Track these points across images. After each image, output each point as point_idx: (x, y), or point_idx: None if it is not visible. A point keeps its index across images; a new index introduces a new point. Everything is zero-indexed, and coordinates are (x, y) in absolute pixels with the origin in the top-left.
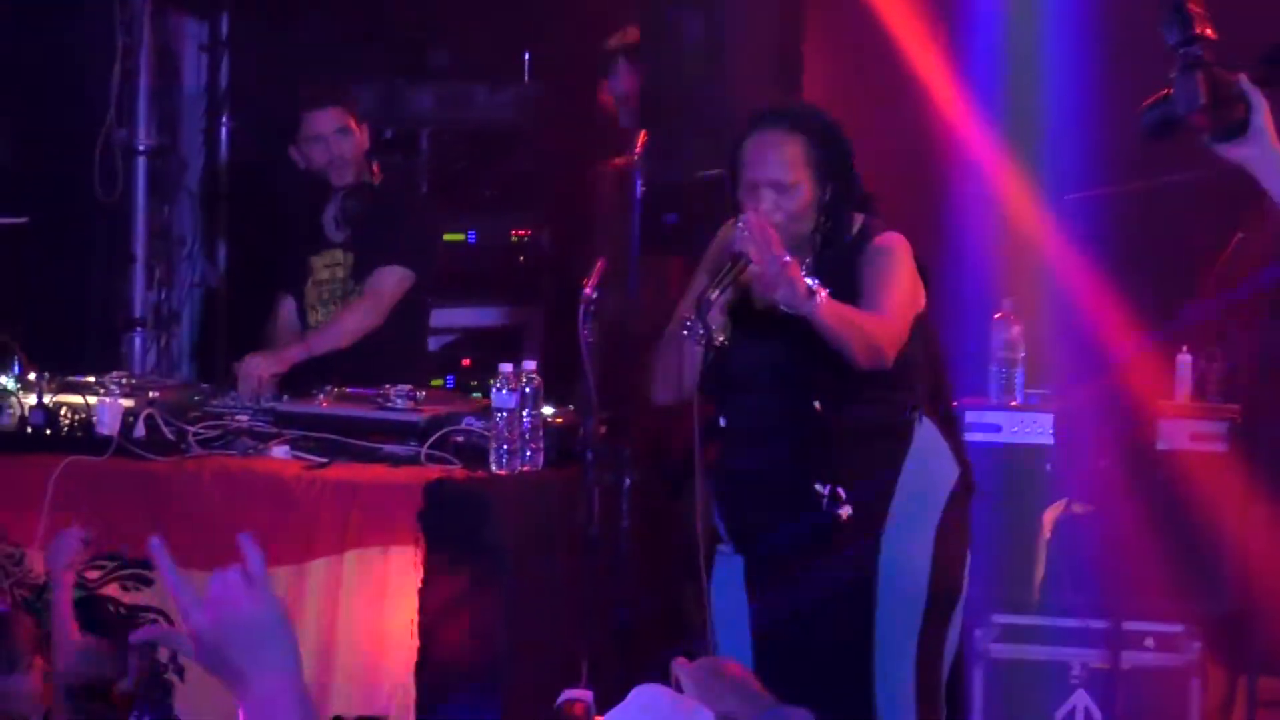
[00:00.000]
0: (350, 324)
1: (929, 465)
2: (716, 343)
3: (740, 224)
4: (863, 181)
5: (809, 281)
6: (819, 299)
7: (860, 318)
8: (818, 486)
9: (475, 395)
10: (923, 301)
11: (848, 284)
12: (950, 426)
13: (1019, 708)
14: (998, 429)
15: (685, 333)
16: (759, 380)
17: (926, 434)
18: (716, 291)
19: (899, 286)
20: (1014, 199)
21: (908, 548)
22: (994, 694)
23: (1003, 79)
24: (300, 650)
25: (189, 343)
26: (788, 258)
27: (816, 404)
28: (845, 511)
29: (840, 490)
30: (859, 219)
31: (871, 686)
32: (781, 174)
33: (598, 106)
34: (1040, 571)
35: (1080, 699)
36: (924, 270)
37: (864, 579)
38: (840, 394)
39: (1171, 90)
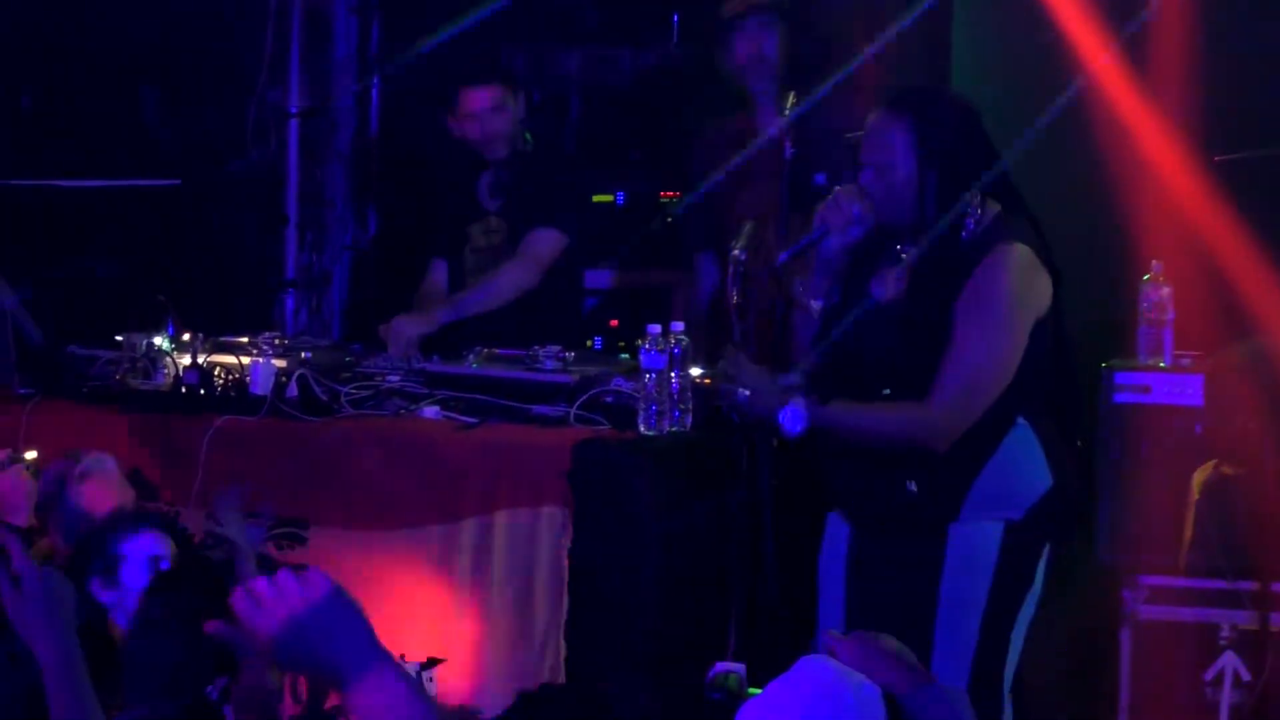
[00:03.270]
0: (502, 285)
1: (1013, 472)
2: (808, 307)
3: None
4: (998, 168)
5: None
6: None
7: (885, 425)
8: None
9: (623, 356)
10: (1044, 304)
11: (954, 291)
12: (1055, 436)
13: (1167, 670)
14: (1148, 390)
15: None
16: (867, 362)
17: (1018, 441)
18: (787, 255)
19: (973, 351)
20: (1164, 160)
21: (974, 542)
22: (1142, 656)
23: (1152, 38)
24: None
25: (339, 304)
26: None
27: (886, 391)
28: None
29: (910, 484)
30: (992, 210)
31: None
32: (877, 154)
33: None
34: (1189, 533)
35: (1229, 661)
36: (1054, 272)
37: (931, 569)
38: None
39: None
